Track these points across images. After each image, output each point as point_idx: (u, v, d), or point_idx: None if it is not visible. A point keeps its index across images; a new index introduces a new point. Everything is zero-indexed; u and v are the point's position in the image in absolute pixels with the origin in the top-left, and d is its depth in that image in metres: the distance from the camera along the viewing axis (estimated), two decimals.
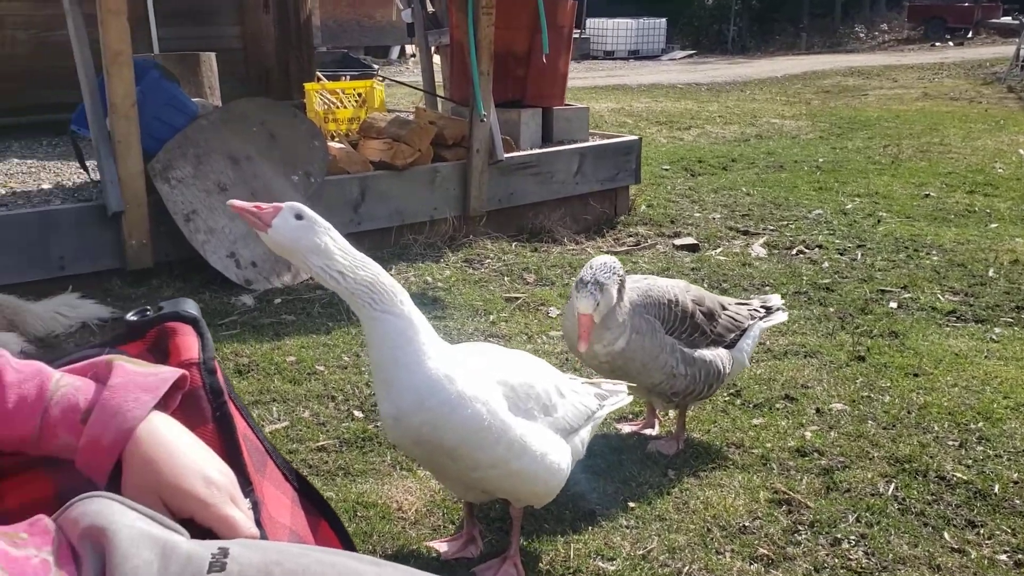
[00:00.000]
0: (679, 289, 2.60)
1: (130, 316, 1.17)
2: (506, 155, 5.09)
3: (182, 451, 0.98)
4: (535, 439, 1.95)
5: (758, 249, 5.02)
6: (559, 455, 2.02)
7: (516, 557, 2.16)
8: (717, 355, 2.61)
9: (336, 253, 1.61)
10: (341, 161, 4.69)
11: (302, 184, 4.45)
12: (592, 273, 2.35)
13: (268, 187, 4.35)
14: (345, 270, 1.62)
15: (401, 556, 2.23)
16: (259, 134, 4.40)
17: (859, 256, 4.84)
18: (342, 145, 4.91)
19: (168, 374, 1.03)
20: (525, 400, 1.96)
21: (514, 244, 4.99)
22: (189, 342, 1.11)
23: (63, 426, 0.99)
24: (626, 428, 2.88)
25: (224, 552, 0.84)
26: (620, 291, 2.42)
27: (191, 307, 1.17)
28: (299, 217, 1.57)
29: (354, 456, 2.70)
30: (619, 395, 2.29)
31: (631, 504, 2.43)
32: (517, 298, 4.14)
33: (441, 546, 2.26)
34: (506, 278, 4.45)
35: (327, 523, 1.19)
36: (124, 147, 3.91)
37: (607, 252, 4.97)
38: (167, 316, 1.13)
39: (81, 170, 4.65)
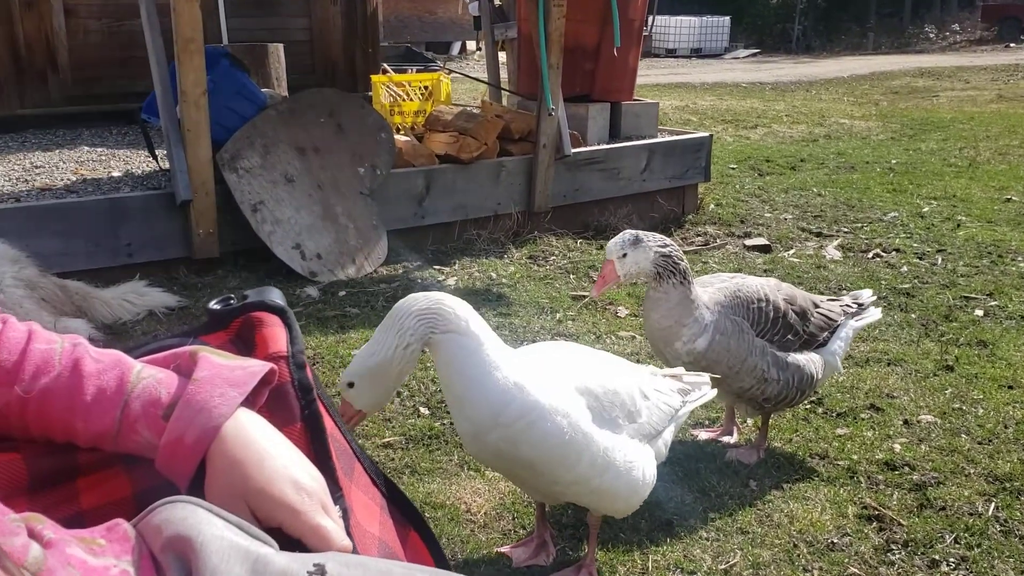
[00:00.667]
0: (770, 288, 2.46)
1: (213, 304, 1.09)
2: (573, 150, 4.98)
3: (272, 453, 0.90)
4: (620, 453, 1.83)
5: (832, 251, 4.84)
6: (644, 467, 1.90)
7: (592, 566, 2.06)
8: (810, 359, 2.47)
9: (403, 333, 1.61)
10: (407, 154, 4.63)
11: (368, 176, 4.40)
12: (636, 232, 2.25)
13: (334, 179, 4.31)
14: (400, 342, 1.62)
15: (471, 562, 2.14)
16: (327, 125, 4.36)
17: (939, 261, 4.63)
18: (408, 138, 4.85)
19: (257, 368, 0.94)
20: (610, 409, 1.83)
21: (579, 241, 4.89)
22: (277, 334, 1.02)
23: (144, 422, 0.91)
24: (703, 435, 2.75)
25: (320, 570, 0.75)
26: (670, 275, 2.27)
27: (277, 296, 1.09)
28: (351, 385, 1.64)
29: (420, 454, 2.62)
30: (702, 388, 2.12)
31: (711, 515, 2.31)
32: (583, 296, 4.03)
33: (513, 552, 2.16)
34: (572, 276, 4.35)
35: (416, 533, 1.10)
36: (193, 136, 3.89)
37: None
38: (253, 305, 1.05)
39: (150, 158, 4.66)
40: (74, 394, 0.91)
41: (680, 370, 2.15)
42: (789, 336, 2.44)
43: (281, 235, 4.09)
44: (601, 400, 1.82)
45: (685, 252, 4.81)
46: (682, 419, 2.08)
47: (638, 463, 1.87)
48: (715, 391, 2.15)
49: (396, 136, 4.71)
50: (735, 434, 2.75)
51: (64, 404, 0.91)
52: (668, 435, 2.04)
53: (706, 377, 2.16)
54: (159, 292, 3.72)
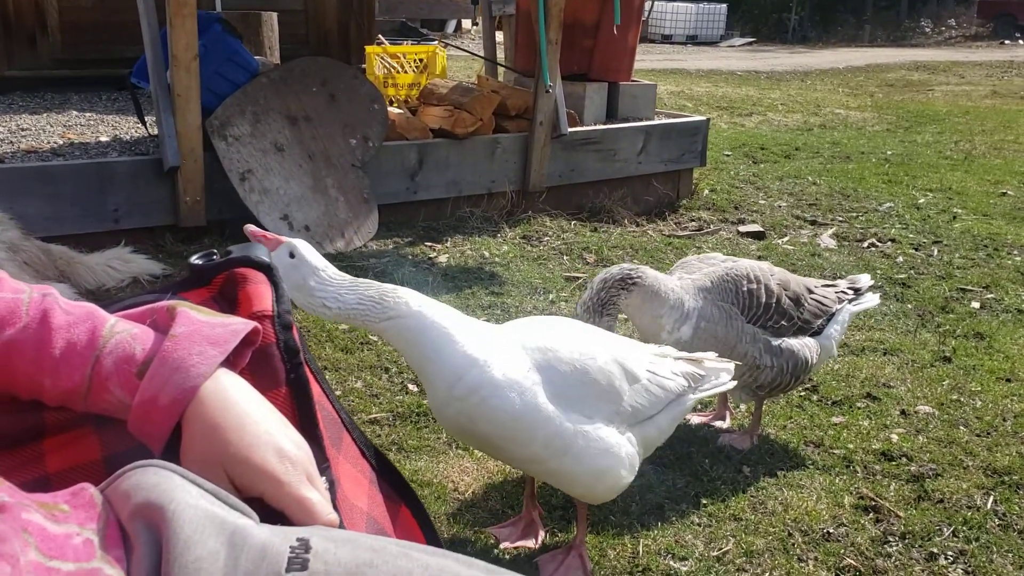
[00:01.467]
0: (762, 272, 2.39)
1: (195, 259, 1.01)
2: (569, 129, 4.90)
3: (254, 417, 0.83)
4: (582, 435, 1.72)
5: (827, 240, 4.79)
6: (617, 453, 1.78)
7: (582, 548, 2.00)
8: (804, 344, 2.41)
9: (317, 288, 1.56)
10: (400, 127, 4.54)
11: (360, 148, 4.31)
12: (583, 306, 2.23)
13: (325, 150, 4.22)
14: (328, 300, 1.57)
15: (457, 541, 2.08)
16: (319, 95, 4.26)
17: (935, 252, 4.59)
18: (401, 111, 4.76)
19: (239, 326, 0.87)
20: (576, 387, 1.72)
21: (573, 222, 4.81)
22: (261, 291, 0.95)
23: (116, 379, 0.84)
24: (695, 419, 2.69)
25: (305, 545, 0.68)
26: (620, 293, 2.22)
27: (263, 253, 1.02)
28: (291, 255, 1.56)
29: (408, 431, 2.56)
30: (720, 377, 2.00)
31: (703, 501, 2.26)
32: (577, 278, 3.97)
33: (500, 532, 2.10)
34: (565, 257, 4.29)
35: (408, 509, 1.03)
36: (183, 101, 3.79)
37: (669, 235, 4.77)
38: (237, 261, 0.98)
39: (139, 124, 4.56)
40: (41, 348, 0.84)
41: (710, 355, 2.03)
42: (783, 322, 2.37)
43: (269, 205, 4.00)
44: (565, 377, 1.71)
45: (678, 237, 4.75)
46: (687, 406, 1.95)
47: (608, 448, 1.76)
48: (734, 383, 2.02)
49: (389, 108, 4.62)
50: (728, 419, 2.70)
51: (30, 358, 0.84)
52: (663, 421, 1.91)
53: (730, 365, 2.03)
54: (144, 259, 3.64)
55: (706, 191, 5.68)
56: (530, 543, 2.07)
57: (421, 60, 5.28)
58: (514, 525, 2.11)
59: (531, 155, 4.80)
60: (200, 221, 3.97)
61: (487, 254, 4.23)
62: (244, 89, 4.07)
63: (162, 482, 0.71)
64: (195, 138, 3.86)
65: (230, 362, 0.87)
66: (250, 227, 1.44)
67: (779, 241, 4.76)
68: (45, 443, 0.87)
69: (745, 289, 2.33)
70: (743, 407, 2.78)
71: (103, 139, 4.51)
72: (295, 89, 4.21)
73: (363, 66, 5.33)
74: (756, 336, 2.34)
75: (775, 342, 2.36)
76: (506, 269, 4.04)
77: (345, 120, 4.29)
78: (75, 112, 5.23)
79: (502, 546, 2.06)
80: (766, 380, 2.38)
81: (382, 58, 5.19)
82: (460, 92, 4.71)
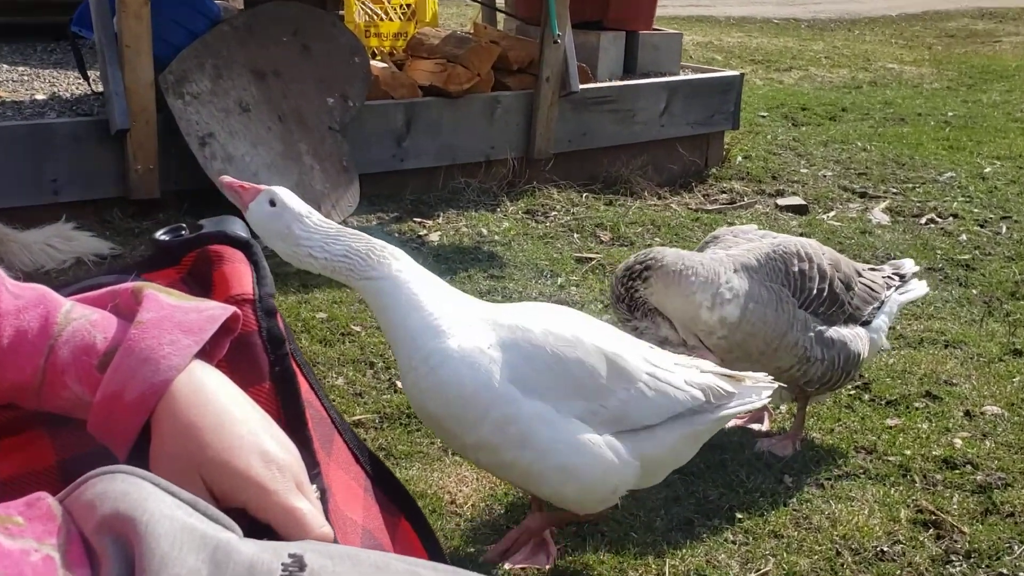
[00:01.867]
0: (813, 250, 2.40)
1: (160, 235, 1.02)
2: (581, 86, 4.89)
3: (235, 416, 0.84)
4: (547, 428, 1.75)
5: (879, 215, 4.80)
6: (590, 456, 1.79)
7: (546, 534, 2.09)
8: (856, 334, 2.43)
9: (303, 236, 1.67)
10: (385, 83, 4.53)
11: (338, 109, 4.30)
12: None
13: (298, 110, 4.22)
14: (315, 249, 1.68)
15: (456, 561, 2.09)
16: (290, 45, 4.25)
17: (1004, 230, 4.60)
18: (386, 65, 4.75)
19: (216, 311, 0.88)
20: (543, 374, 1.75)
21: (585, 195, 4.82)
22: (240, 271, 0.96)
23: (73, 373, 0.84)
24: (731, 422, 2.71)
25: (299, 562, 0.69)
26: (639, 284, 2.26)
27: (239, 227, 1.02)
28: (272, 204, 1.67)
29: (397, 435, 2.57)
30: (752, 397, 1.96)
31: (739, 515, 2.28)
32: (590, 259, 3.98)
33: (505, 550, 2.12)
34: (576, 234, 4.29)
35: (407, 522, 1.04)
36: (133, 53, 3.78)
37: (696, 210, 4.78)
38: (210, 237, 0.99)
39: (81, 79, 4.55)
40: None
41: (758, 375, 2.00)
42: (834, 309, 2.39)
43: (233, 174, 3.97)
44: (531, 361, 1.75)
45: (707, 212, 4.75)
46: (706, 425, 1.91)
47: (579, 445, 1.78)
48: (767, 400, 2.01)
49: (372, 62, 4.61)
50: (766, 422, 2.71)
51: None
52: (668, 437, 1.88)
53: (774, 384, 2.01)
54: (89, 237, 3.65)
55: (739, 158, 5.69)
56: (540, 563, 2.08)
57: (408, 6, 5.26)
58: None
59: (536, 116, 4.79)
60: (153, 193, 3.97)
61: (485, 231, 4.24)
62: (203, 39, 4.07)
63: (132, 491, 0.72)
64: (147, 96, 3.86)
65: (206, 353, 0.87)
66: (225, 178, 1.52)
67: (824, 216, 4.77)
68: None
69: (796, 269, 2.34)
70: (783, 407, 2.79)
71: (39, 97, 4.50)
72: (262, 39, 4.20)
73: (341, 12, 5.31)
74: (808, 323, 2.36)
75: (826, 331, 2.37)
76: (507, 249, 4.05)
77: (320, 75, 4.28)
78: (5, 66, 5.22)
79: (507, 567, 2.07)
80: (816, 375, 2.39)
81: (363, 3, 5.17)
82: (454, 43, 4.70)
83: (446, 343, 1.71)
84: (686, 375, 1.91)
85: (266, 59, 4.19)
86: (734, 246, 2.41)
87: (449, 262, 3.84)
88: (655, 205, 4.84)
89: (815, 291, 2.35)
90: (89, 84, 4.51)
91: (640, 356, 1.87)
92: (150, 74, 3.85)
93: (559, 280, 3.75)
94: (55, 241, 3.57)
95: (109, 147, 3.91)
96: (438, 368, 1.71)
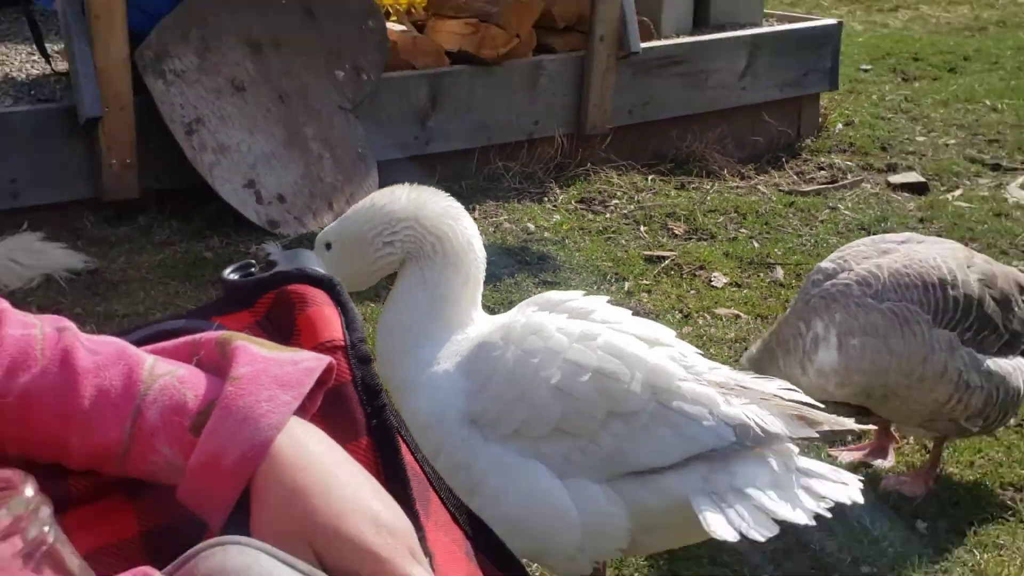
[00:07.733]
0: (956, 262, 2.47)
1: (228, 273, 1.14)
2: (642, 45, 4.98)
3: (341, 479, 0.95)
4: (501, 475, 1.86)
5: (1017, 192, 4.85)
6: (549, 510, 1.85)
7: None
8: (1016, 367, 2.49)
9: None
10: (404, 50, 4.64)
11: (350, 84, 4.42)
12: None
13: (302, 88, 4.33)
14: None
15: None
16: (291, 10, 4.37)
17: None
18: (404, 28, 4.85)
19: (312, 363, 0.99)
20: (520, 407, 1.85)
21: (651, 177, 4.90)
22: (327, 315, 1.07)
23: (163, 436, 0.96)
24: (844, 456, 2.80)
25: None
26: None
27: (315, 262, 1.13)
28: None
29: None
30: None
31: (864, 568, 2.37)
32: (663, 257, 4.06)
33: None
34: (643, 227, 4.37)
35: None
36: (105, 24, 3.89)
37: (789, 192, 4.86)
38: (288, 276, 1.10)
39: (39, 56, 4.66)
40: (66, 398, 0.96)
41: (831, 418, 1.93)
42: (985, 333, 2.45)
43: (228, 167, 4.12)
44: (499, 394, 1.87)
45: (803, 193, 4.83)
46: (745, 476, 1.81)
47: (533, 496, 1.86)
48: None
49: (389, 25, 4.71)
50: (891, 455, 2.80)
51: (52, 412, 0.96)
52: (678, 486, 1.84)
53: (853, 426, 2.01)
54: (58, 249, 3.74)
55: (839, 125, 5.75)
56: None
57: None
58: None
59: (589, 84, 4.88)
60: (131, 192, 4.07)
61: (532, 227, 4.32)
62: (187, 5, 4.17)
63: (253, 564, 0.84)
64: (121, 76, 3.96)
65: (301, 408, 0.99)
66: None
67: (948, 196, 4.82)
68: (68, 517, 0.99)
69: (935, 281, 2.40)
70: (912, 439, 2.88)
71: None
72: (257, 3, 4.31)
73: None
74: (954, 344, 2.41)
75: (980, 358, 2.44)
76: (560, 248, 4.13)
77: (328, 44, 4.39)
78: None
79: None
80: (977, 406, 2.44)
81: None
82: None
83: (412, 371, 1.96)
84: (722, 404, 1.84)
85: (262, 27, 4.29)
86: (844, 270, 2.48)
87: (490, 266, 3.88)
88: (738, 187, 4.91)
89: (960, 312, 2.41)
90: (49, 62, 4.60)
91: (657, 371, 1.84)
92: (125, 49, 3.95)
93: (626, 284, 3.81)
94: (19, 255, 3.64)
95: (77, 140, 4.01)
96: (404, 399, 1.94)
